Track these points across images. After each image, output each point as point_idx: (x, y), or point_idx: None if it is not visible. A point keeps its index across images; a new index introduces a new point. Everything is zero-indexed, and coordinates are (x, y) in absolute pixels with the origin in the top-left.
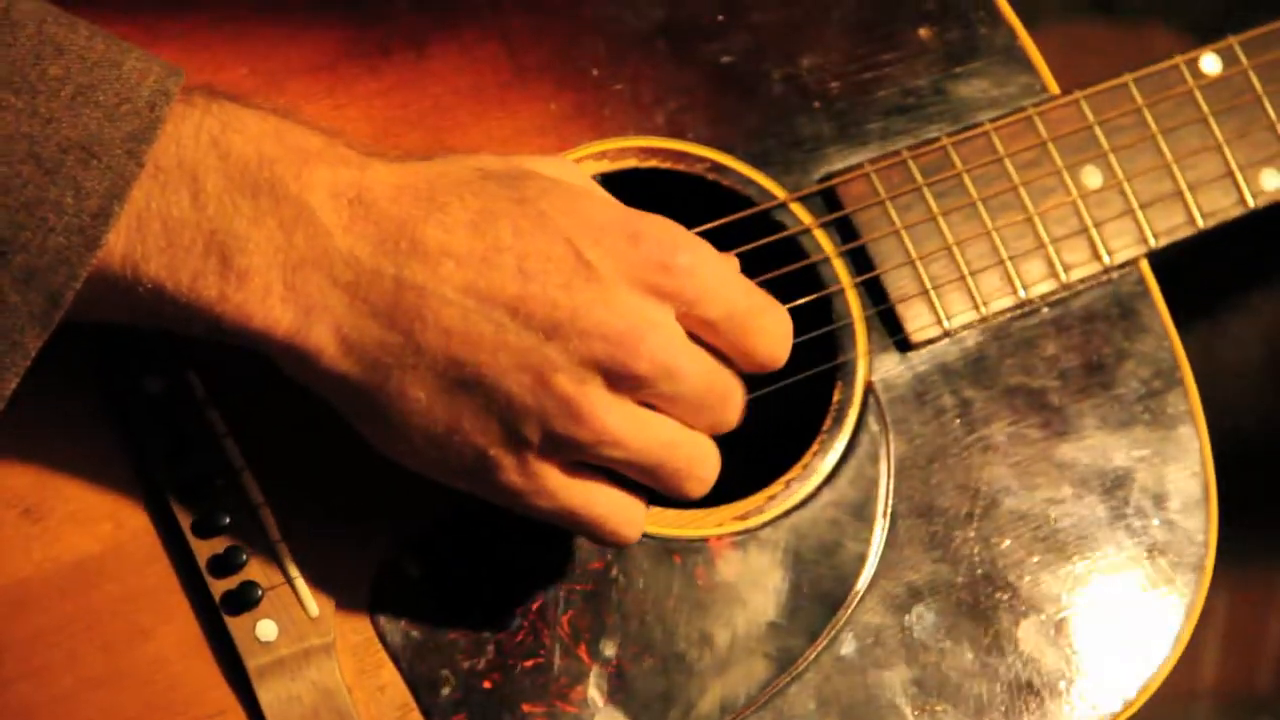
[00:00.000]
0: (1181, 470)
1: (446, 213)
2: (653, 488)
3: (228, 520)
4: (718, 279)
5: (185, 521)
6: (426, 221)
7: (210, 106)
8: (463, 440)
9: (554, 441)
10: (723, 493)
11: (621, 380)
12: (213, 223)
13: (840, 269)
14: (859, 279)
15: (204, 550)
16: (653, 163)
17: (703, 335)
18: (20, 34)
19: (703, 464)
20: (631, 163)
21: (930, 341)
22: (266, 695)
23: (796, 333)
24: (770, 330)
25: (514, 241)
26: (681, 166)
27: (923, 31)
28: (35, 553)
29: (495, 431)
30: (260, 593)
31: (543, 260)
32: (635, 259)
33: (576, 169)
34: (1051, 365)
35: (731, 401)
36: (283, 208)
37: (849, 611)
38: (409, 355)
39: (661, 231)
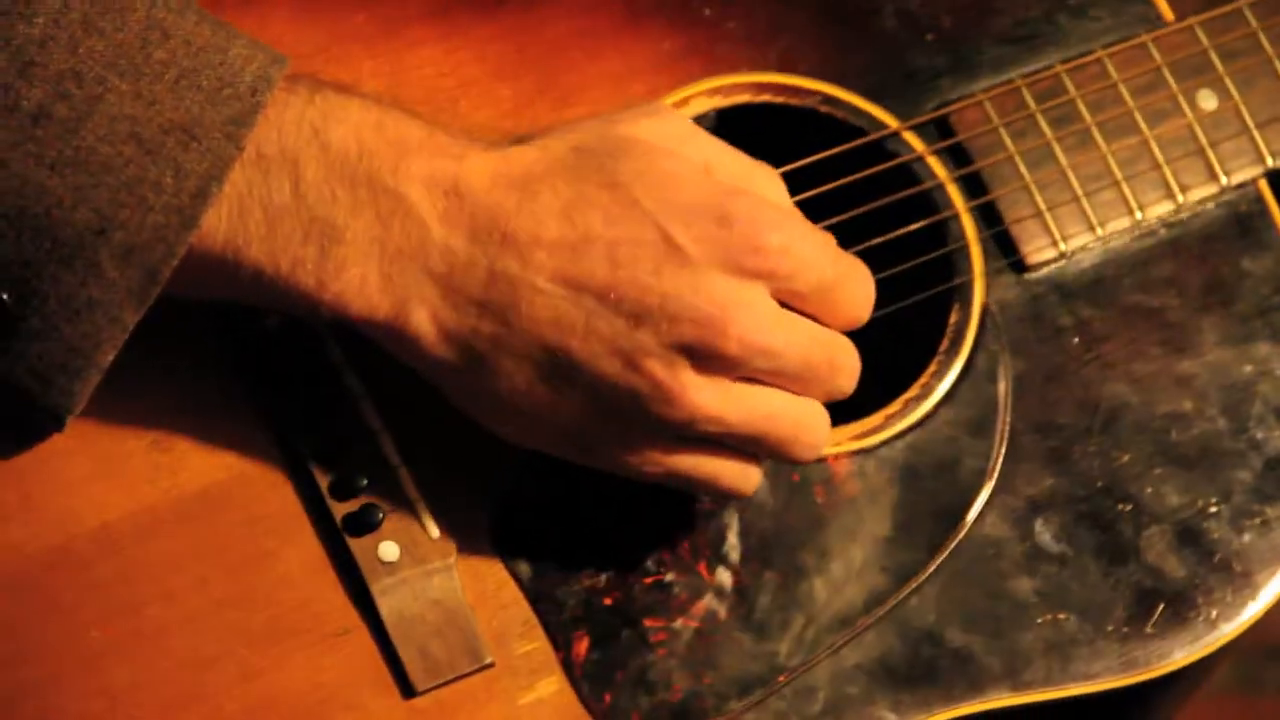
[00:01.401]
0: None
1: (537, 201)
2: (763, 455)
3: (350, 446)
4: (809, 254)
5: (308, 449)
6: (518, 212)
7: (313, 97)
8: (563, 421)
9: (650, 421)
10: (841, 413)
11: (712, 360)
12: (312, 212)
13: (955, 194)
14: (974, 203)
15: (326, 475)
16: (765, 97)
17: (791, 304)
18: (129, 18)
19: (809, 430)
20: (744, 98)
21: (1046, 263)
22: (390, 613)
23: (913, 256)
24: (856, 295)
25: (604, 230)
26: (794, 100)
27: None
28: (163, 480)
29: (592, 412)
30: (381, 515)
31: (633, 247)
32: (726, 241)
33: (681, 121)
34: (1169, 284)
35: (843, 370)
36: (380, 199)
37: (968, 525)
38: (503, 341)
39: (753, 210)
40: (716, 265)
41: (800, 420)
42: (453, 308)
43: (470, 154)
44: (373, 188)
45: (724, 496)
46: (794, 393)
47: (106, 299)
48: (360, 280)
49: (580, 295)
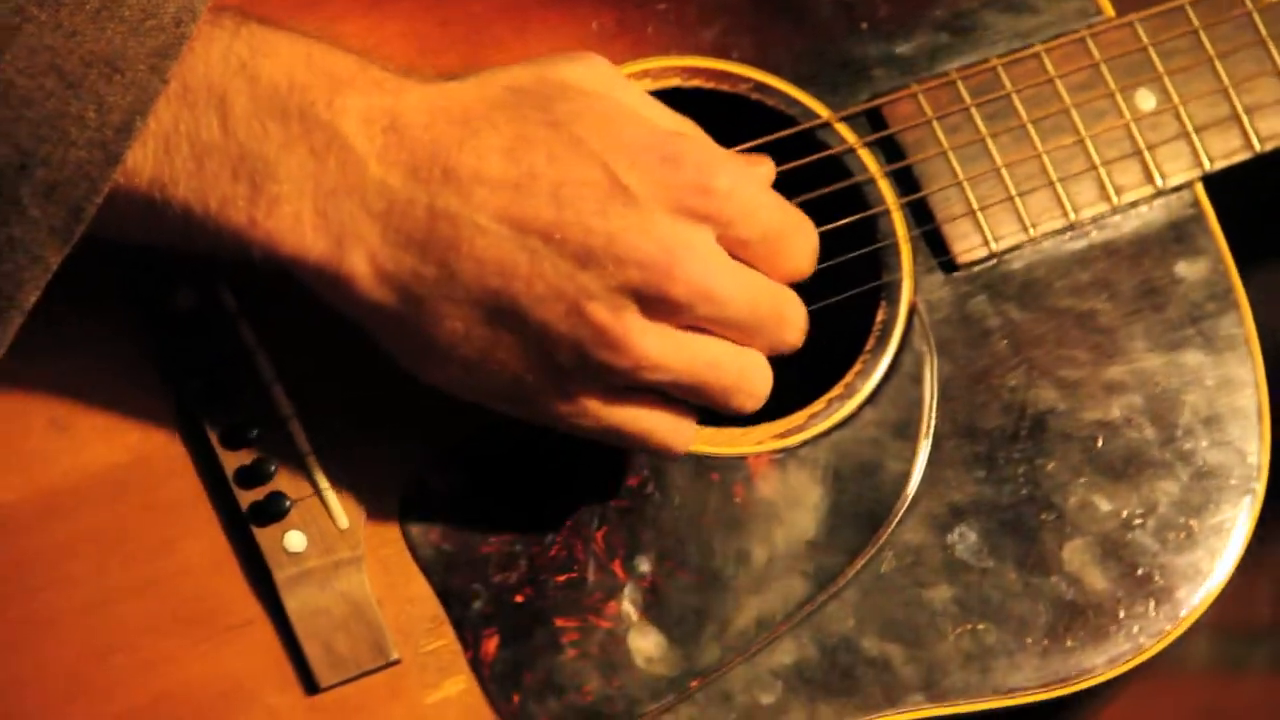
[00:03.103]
0: (1234, 393)
1: (479, 138)
2: (705, 406)
3: (256, 432)
4: (755, 199)
5: (213, 433)
6: (460, 148)
7: (240, 30)
8: (500, 367)
9: (592, 368)
10: (763, 412)
11: (659, 305)
12: (242, 148)
13: (886, 189)
14: (905, 199)
15: (232, 461)
16: (696, 82)
17: (736, 252)
18: None
19: (751, 379)
20: (674, 82)
21: (977, 263)
22: (294, 606)
23: (840, 252)
24: (800, 246)
25: (548, 168)
26: (725, 86)
27: None
28: (62, 462)
29: (532, 358)
30: (289, 504)
31: (578, 186)
32: (673, 182)
33: (608, 67)
34: (1101, 287)
35: (789, 322)
36: (314, 134)
37: (889, 530)
38: (444, 284)
39: (699, 152)
40: (663, 206)
41: (744, 369)
42: (391, 248)
43: (406, 89)
44: (305, 122)
45: (656, 452)
46: (738, 343)
47: (28, 238)
48: (294, 218)
49: (524, 236)
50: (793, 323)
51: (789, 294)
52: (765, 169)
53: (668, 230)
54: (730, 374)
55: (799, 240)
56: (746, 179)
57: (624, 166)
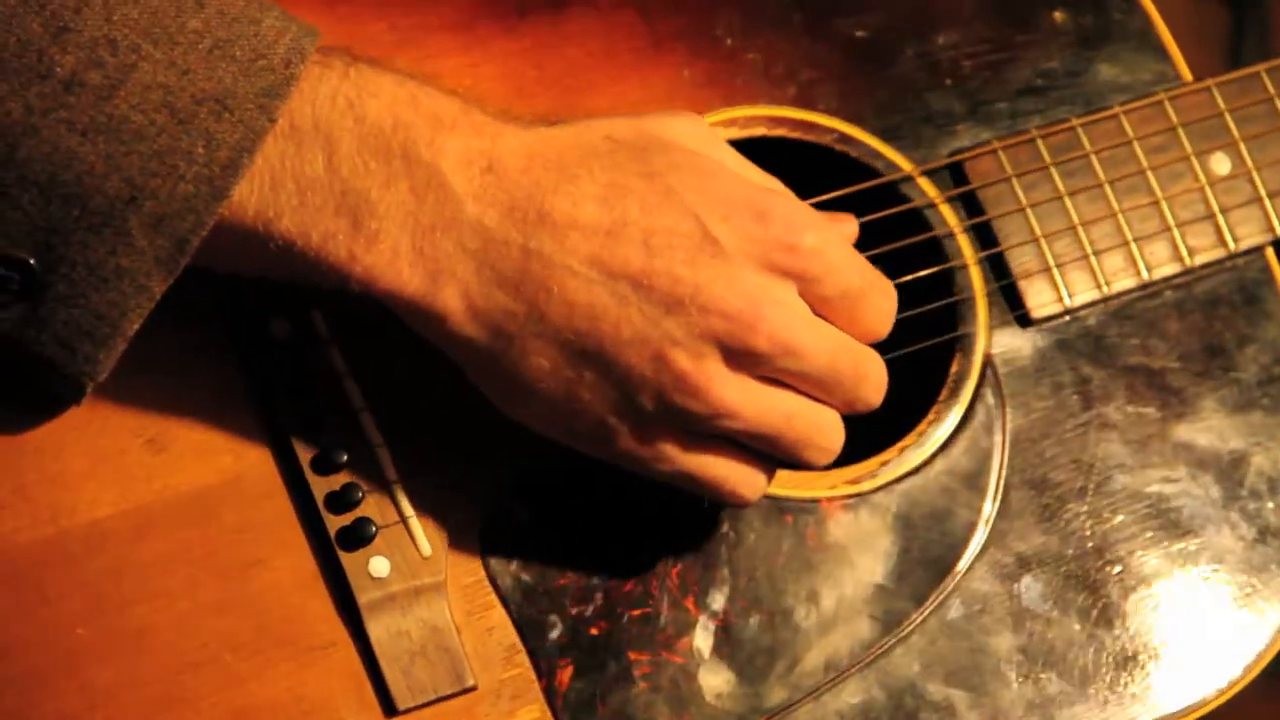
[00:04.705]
0: None
1: (575, 184)
2: (777, 457)
3: (346, 458)
4: (839, 258)
5: (305, 457)
6: (555, 192)
7: (348, 71)
8: (583, 407)
9: (671, 413)
10: (838, 458)
11: (741, 356)
12: (345, 184)
13: (964, 243)
14: (983, 254)
15: (321, 486)
16: (781, 131)
17: (818, 308)
18: None
19: (824, 434)
20: (760, 131)
21: (1051, 318)
22: (376, 630)
23: (918, 303)
24: (880, 306)
25: (640, 216)
26: (810, 137)
27: (1057, 14)
28: (156, 481)
29: (614, 400)
30: (375, 529)
31: (668, 235)
32: (761, 237)
33: (706, 128)
34: (1172, 347)
35: (868, 380)
36: (415, 172)
37: (957, 578)
38: (533, 323)
39: (788, 210)
40: (751, 260)
41: (819, 424)
42: (484, 285)
43: (506, 132)
44: (408, 161)
45: (728, 504)
46: (815, 398)
47: (135, 267)
48: (392, 253)
49: (614, 281)
50: (872, 381)
51: (869, 353)
52: (849, 227)
53: (754, 284)
54: (804, 428)
55: (879, 300)
56: (832, 238)
57: (715, 219)
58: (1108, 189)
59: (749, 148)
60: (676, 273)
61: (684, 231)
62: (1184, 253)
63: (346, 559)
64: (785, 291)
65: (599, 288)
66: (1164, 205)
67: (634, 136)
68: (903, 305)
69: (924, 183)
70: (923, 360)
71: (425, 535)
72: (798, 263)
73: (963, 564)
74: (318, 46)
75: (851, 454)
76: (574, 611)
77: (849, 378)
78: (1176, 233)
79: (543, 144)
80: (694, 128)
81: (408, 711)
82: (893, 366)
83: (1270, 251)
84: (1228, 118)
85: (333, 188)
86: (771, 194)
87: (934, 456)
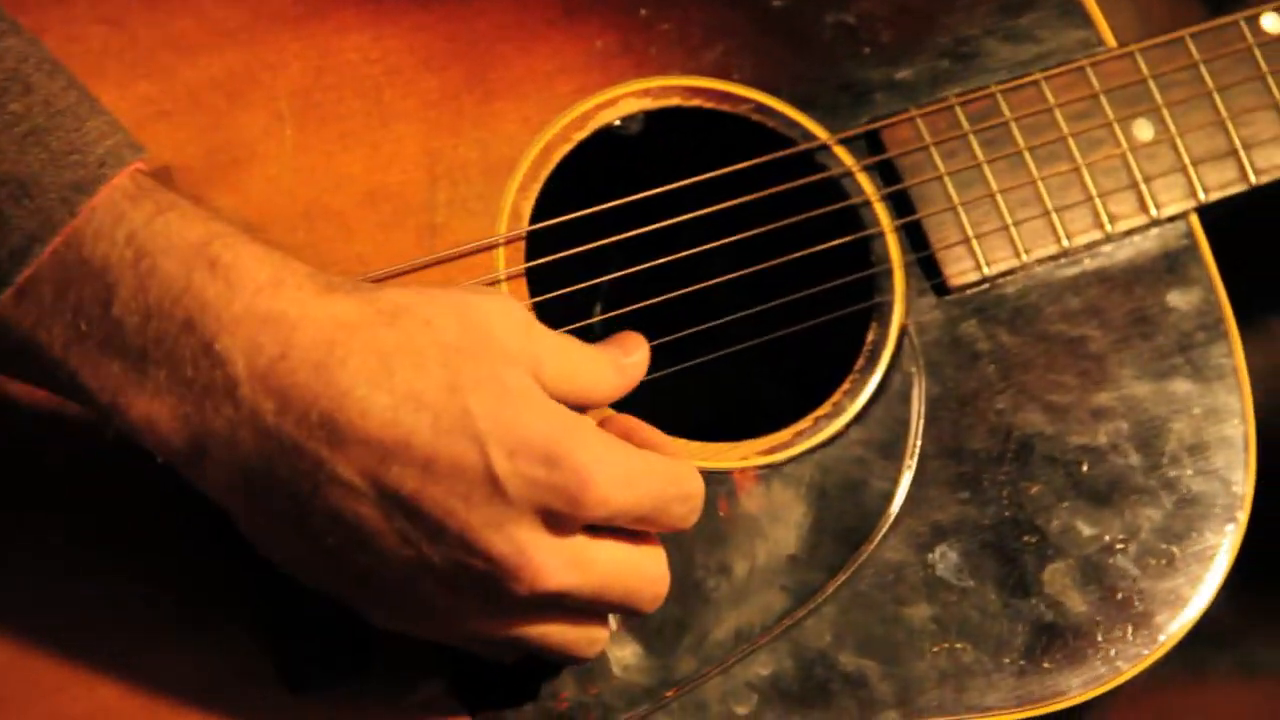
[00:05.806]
0: (1220, 422)
1: (372, 390)
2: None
3: None
4: (626, 503)
5: None
6: (346, 397)
7: (154, 218)
8: (358, 602)
9: (449, 624)
10: (751, 427)
11: (500, 597)
12: (125, 333)
13: (881, 212)
14: (900, 222)
15: None
16: (696, 102)
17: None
18: None
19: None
20: (675, 101)
21: (969, 286)
22: None
23: (835, 273)
24: (676, 514)
25: (430, 438)
26: (726, 106)
27: None
28: None
29: (371, 598)
30: None
31: (451, 464)
32: (546, 485)
33: (526, 317)
34: (1092, 314)
35: (648, 591)
36: (193, 342)
37: (871, 548)
38: (291, 519)
39: (581, 457)
40: (529, 507)
41: (578, 639)
42: (249, 475)
43: (313, 312)
44: (190, 329)
45: (575, 662)
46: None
47: None
48: (157, 411)
49: (383, 499)
50: (652, 594)
51: (643, 571)
52: (637, 369)
53: (524, 535)
54: (563, 645)
55: (676, 510)
56: (622, 481)
57: (501, 456)
58: (1027, 156)
59: (664, 118)
60: (448, 505)
61: (468, 464)
62: (1105, 220)
63: None
64: (555, 542)
65: (367, 503)
66: (1085, 172)
67: (455, 331)
68: (821, 275)
69: (840, 151)
70: (839, 330)
71: None
72: (580, 514)
73: (877, 534)
74: (139, 172)
75: (766, 424)
76: None
77: (621, 598)
78: (1098, 200)
79: (348, 332)
80: (514, 319)
81: None
82: (809, 336)
83: (1194, 218)
84: (1151, 84)
85: (111, 332)
86: (569, 432)
87: (849, 426)
